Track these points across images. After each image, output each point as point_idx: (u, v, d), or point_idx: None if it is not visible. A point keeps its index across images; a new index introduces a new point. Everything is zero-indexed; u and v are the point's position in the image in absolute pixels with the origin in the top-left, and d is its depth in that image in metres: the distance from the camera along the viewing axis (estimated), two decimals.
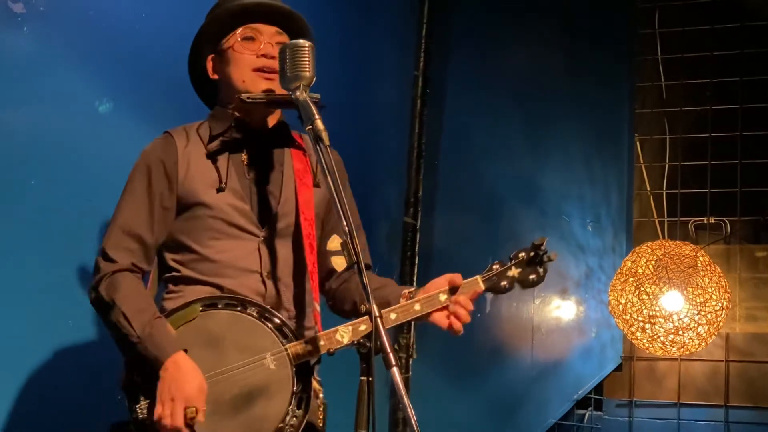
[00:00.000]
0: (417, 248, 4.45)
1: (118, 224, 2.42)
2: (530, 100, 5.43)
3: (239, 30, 2.50)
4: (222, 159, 2.48)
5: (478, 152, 5.04)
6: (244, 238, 2.46)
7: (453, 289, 2.46)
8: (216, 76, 2.56)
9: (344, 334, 2.36)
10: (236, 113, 2.51)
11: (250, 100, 2.45)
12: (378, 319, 2.08)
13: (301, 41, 2.27)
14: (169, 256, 2.49)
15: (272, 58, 2.47)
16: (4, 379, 2.73)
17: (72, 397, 2.87)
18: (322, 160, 2.18)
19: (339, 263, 2.19)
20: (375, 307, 2.09)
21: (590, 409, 6.09)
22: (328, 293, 2.66)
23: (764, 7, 6.28)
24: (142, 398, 2.29)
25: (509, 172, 5.26)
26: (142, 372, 2.30)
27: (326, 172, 2.17)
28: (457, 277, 2.47)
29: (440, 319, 2.47)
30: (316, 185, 2.57)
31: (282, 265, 2.49)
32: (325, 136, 2.18)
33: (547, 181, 5.56)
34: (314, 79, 2.27)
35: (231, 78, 2.50)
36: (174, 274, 2.47)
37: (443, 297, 2.45)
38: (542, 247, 2.55)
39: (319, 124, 2.20)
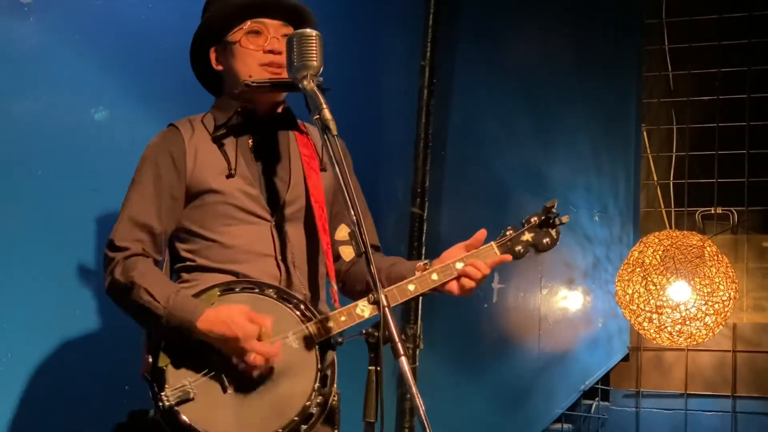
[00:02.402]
0: (424, 238, 4.45)
1: (126, 216, 2.42)
2: (537, 89, 5.42)
3: (246, 24, 2.49)
4: (229, 146, 2.49)
5: (485, 142, 5.03)
6: (256, 223, 2.46)
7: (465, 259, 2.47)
8: (220, 68, 2.56)
9: (364, 308, 2.38)
10: (241, 101, 2.51)
11: (255, 84, 2.45)
12: (386, 309, 2.08)
13: (308, 30, 2.27)
14: (181, 247, 2.49)
15: (279, 53, 2.47)
16: (12, 369, 2.73)
17: (80, 387, 2.87)
18: (330, 149, 2.18)
19: (347, 253, 2.19)
20: (383, 297, 2.09)
21: (597, 399, 6.09)
22: (338, 276, 2.67)
23: None
24: (167, 386, 2.27)
25: (516, 162, 5.25)
26: (173, 352, 2.29)
27: (334, 161, 2.16)
28: (472, 245, 2.50)
29: (455, 286, 2.48)
30: (323, 169, 2.58)
31: (295, 249, 2.50)
32: (332, 125, 2.18)
33: (554, 171, 5.55)
34: (322, 69, 2.27)
35: (237, 72, 2.51)
36: (187, 263, 2.47)
37: (460, 265, 2.47)
38: (553, 210, 2.55)
39: (327, 113, 2.20)
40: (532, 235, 2.53)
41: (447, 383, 4.62)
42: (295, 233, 2.51)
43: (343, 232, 2.18)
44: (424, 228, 4.46)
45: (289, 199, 2.51)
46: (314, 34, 2.26)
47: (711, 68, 6.37)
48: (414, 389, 2.04)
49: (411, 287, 2.43)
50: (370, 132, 4.21)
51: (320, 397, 2.34)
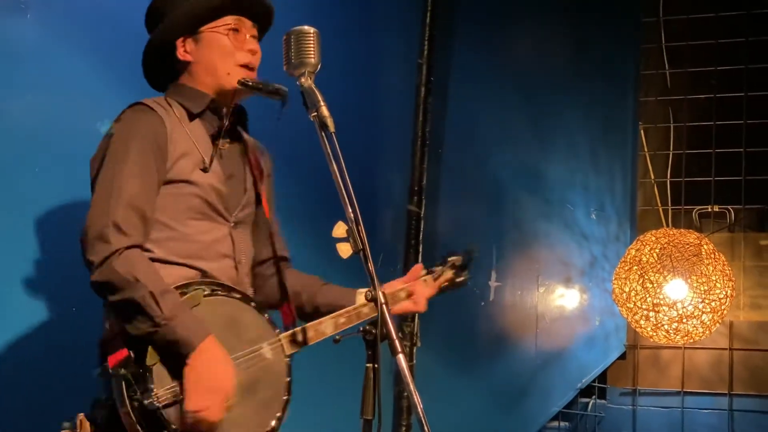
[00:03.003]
0: (421, 236, 4.45)
1: (125, 198, 2.26)
2: (535, 88, 5.42)
3: (229, 20, 2.45)
4: (202, 140, 2.43)
5: (483, 140, 5.03)
6: (219, 222, 2.41)
7: (410, 292, 2.71)
8: (189, 58, 2.48)
9: (328, 326, 2.44)
10: (212, 92, 2.46)
11: (251, 85, 2.43)
12: (384, 306, 2.08)
13: (306, 27, 2.26)
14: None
15: (255, 53, 2.46)
16: (8, 368, 2.73)
17: (77, 385, 2.87)
18: (327, 147, 2.17)
19: (344, 250, 2.18)
20: (381, 294, 2.10)
21: (594, 397, 6.10)
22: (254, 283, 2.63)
23: None
24: (153, 386, 2.16)
25: (513, 160, 5.26)
26: (163, 353, 2.19)
27: (331, 158, 2.16)
28: (411, 276, 2.74)
29: (400, 308, 2.71)
30: (261, 176, 2.58)
31: (246, 253, 2.49)
32: (330, 122, 2.17)
33: (552, 169, 5.56)
34: (319, 66, 2.26)
35: (214, 66, 2.45)
36: (147, 254, 2.31)
37: (403, 294, 2.70)
38: (474, 254, 2.83)
39: (324, 110, 2.19)
40: (452, 272, 2.81)
41: (444, 381, 4.62)
42: (245, 238, 2.49)
43: (340, 229, 2.18)
44: (421, 226, 4.46)
45: (244, 201, 2.49)
46: (312, 31, 2.25)
47: (708, 66, 6.38)
48: (412, 387, 2.04)
49: (365, 310, 2.53)
50: (367, 130, 4.21)
51: (281, 412, 2.35)
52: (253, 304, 2.37)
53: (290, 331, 2.39)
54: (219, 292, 2.32)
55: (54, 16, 2.89)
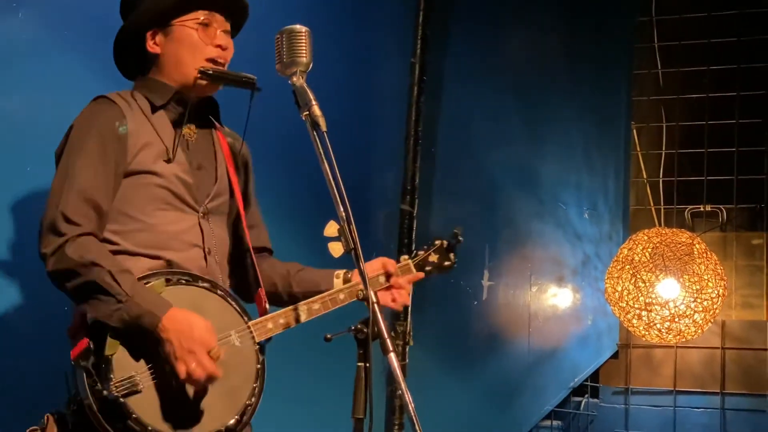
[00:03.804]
0: (414, 235, 4.45)
1: (76, 188, 2.27)
2: (528, 87, 5.43)
3: (199, 15, 2.45)
4: (166, 131, 2.43)
5: (476, 139, 5.04)
6: (186, 212, 2.42)
7: (388, 274, 2.62)
8: (157, 50, 2.48)
9: (302, 312, 2.44)
10: (178, 85, 2.46)
11: (212, 74, 2.42)
12: (375, 305, 2.08)
13: (298, 26, 2.26)
14: (107, 227, 2.35)
15: (225, 49, 2.46)
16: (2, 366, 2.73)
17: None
18: (319, 146, 2.17)
19: (336, 249, 2.19)
20: (372, 294, 2.09)
21: (587, 396, 6.11)
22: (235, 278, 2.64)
23: None
24: (113, 376, 2.17)
25: (506, 159, 5.26)
26: (124, 339, 2.19)
27: (323, 157, 2.16)
28: (390, 264, 2.63)
29: (382, 298, 2.59)
30: (236, 166, 2.58)
31: (220, 243, 2.49)
32: (322, 122, 2.17)
33: (545, 168, 5.56)
34: (311, 65, 2.26)
35: (181, 60, 2.44)
36: (110, 247, 2.32)
37: (383, 279, 2.62)
38: (459, 237, 2.79)
39: (316, 109, 2.18)
40: (437, 256, 2.76)
41: (437, 380, 4.62)
42: (219, 227, 2.50)
43: (332, 228, 2.18)
44: (414, 225, 4.46)
45: (214, 192, 2.49)
46: (303, 30, 2.25)
47: (701, 66, 6.39)
48: (403, 386, 2.04)
49: (341, 296, 2.51)
50: (359, 129, 4.21)
51: (254, 398, 2.35)
52: (219, 292, 2.37)
53: (260, 319, 2.40)
54: (182, 281, 2.33)
55: (45, 14, 2.89)
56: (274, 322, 2.41)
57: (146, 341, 2.20)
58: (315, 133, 2.18)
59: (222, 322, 2.33)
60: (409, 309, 4.35)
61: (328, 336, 2.33)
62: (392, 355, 2.04)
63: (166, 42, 2.47)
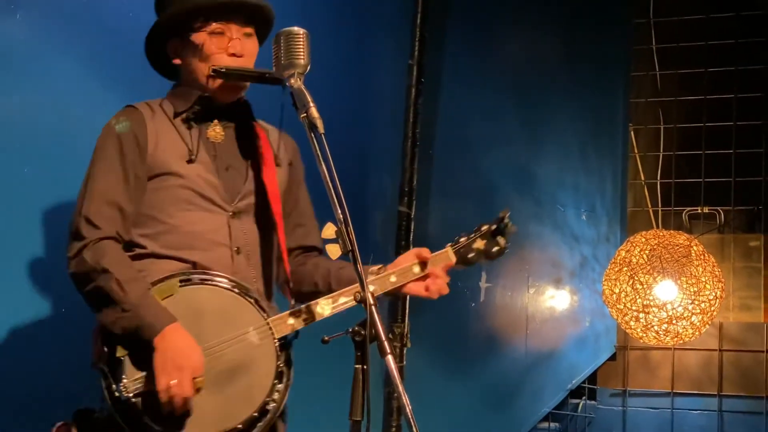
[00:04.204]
0: (411, 237, 4.45)
1: (97, 192, 2.35)
2: (525, 89, 5.43)
3: (210, 26, 2.46)
4: (189, 134, 2.46)
5: (473, 141, 5.04)
6: (213, 212, 2.44)
7: (423, 263, 2.52)
8: (178, 61, 2.52)
9: (325, 306, 2.39)
10: (202, 90, 2.48)
11: (224, 71, 2.43)
12: (373, 308, 2.07)
13: (296, 28, 2.26)
14: (135, 231, 2.41)
15: (241, 56, 2.46)
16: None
17: (63, 386, 2.86)
18: (316, 148, 2.17)
19: (333, 251, 2.18)
20: (370, 296, 2.09)
21: (584, 398, 6.11)
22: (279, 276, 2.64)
23: None
24: (125, 377, 2.22)
25: (504, 161, 5.26)
26: (130, 345, 2.23)
27: (321, 159, 2.16)
28: (425, 251, 2.53)
29: (416, 288, 2.53)
30: (278, 164, 2.57)
31: (251, 242, 2.49)
32: (320, 123, 2.17)
33: (542, 170, 5.56)
34: (309, 67, 2.26)
35: (196, 70, 2.48)
36: (138, 251, 2.39)
37: (417, 269, 2.51)
38: (505, 220, 2.60)
39: (314, 111, 2.19)
40: (483, 242, 2.59)
41: (434, 382, 4.62)
42: (250, 227, 2.50)
43: (329, 230, 2.18)
44: (412, 227, 4.46)
45: (245, 191, 2.50)
46: (302, 32, 2.25)
47: (698, 68, 6.40)
48: (400, 388, 2.04)
49: (370, 288, 2.41)
50: (357, 131, 4.21)
51: (277, 394, 2.34)
52: (238, 290, 2.37)
53: (280, 315, 2.39)
54: (199, 281, 2.34)
55: (43, 16, 2.89)
56: (295, 317, 2.39)
57: (147, 349, 2.23)
58: (313, 135, 2.18)
59: (240, 320, 2.34)
60: (407, 311, 4.35)
61: (326, 338, 2.33)
62: (390, 358, 2.03)
63: (184, 52, 2.50)
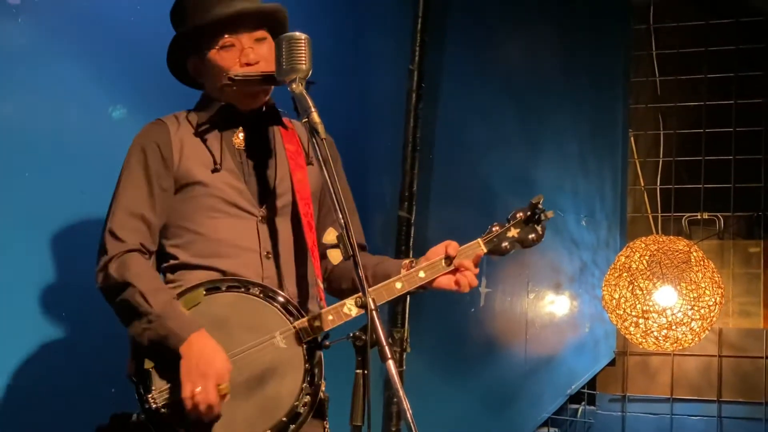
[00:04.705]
0: (411, 242, 4.45)
1: (122, 205, 2.40)
2: (525, 94, 5.43)
3: (220, 41, 2.47)
4: (214, 141, 2.48)
5: (473, 146, 5.04)
6: (242, 217, 2.45)
7: (449, 257, 2.48)
8: (198, 78, 2.56)
9: (351, 307, 2.36)
10: (224, 98, 2.50)
11: (239, 78, 2.43)
12: (374, 312, 2.07)
13: (297, 33, 2.26)
14: (166, 243, 2.46)
15: (255, 63, 2.46)
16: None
17: (66, 389, 2.86)
18: (318, 152, 2.18)
19: (335, 256, 2.18)
20: (371, 301, 2.09)
21: (583, 403, 6.11)
22: (324, 274, 2.65)
23: (759, 2, 6.29)
24: (153, 387, 2.26)
25: (504, 166, 5.26)
26: (156, 356, 2.27)
27: (321, 164, 2.16)
28: (452, 246, 2.49)
29: (446, 282, 2.49)
30: (309, 164, 2.58)
31: (281, 245, 2.49)
32: (321, 128, 2.18)
33: (542, 175, 5.56)
34: (310, 72, 2.27)
35: (212, 82, 2.50)
36: (172, 262, 2.44)
37: (445, 263, 2.48)
38: (539, 206, 2.56)
39: (315, 116, 2.19)
40: (518, 231, 2.55)
41: (434, 387, 4.62)
42: (281, 229, 2.51)
43: (331, 235, 2.18)
44: (412, 231, 4.46)
45: (275, 193, 2.51)
46: (303, 38, 2.25)
47: (698, 74, 6.40)
48: (401, 393, 2.04)
49: (398, 285, 2.42)
50: (358, 135, 4.21)
51: (308, 397, 2.34)
52: (262, 295, 2.37)
53: (307, 317, 2.37)
54: (224, 288, 2.36)
55: (45, 20, 2.89)
56: (321, 319, 2.37)
57: (175, 358, 2.25)
58: (314, 140, 2.18)
59: (266, 325, 2.34)
60: (407, 316, 4.35)
61: (327, 343, 2.34)
62: (390, 362, 2.03)
63: (202, 68, 2.52)
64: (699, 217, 6.33)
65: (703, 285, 5.48)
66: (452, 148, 4.88)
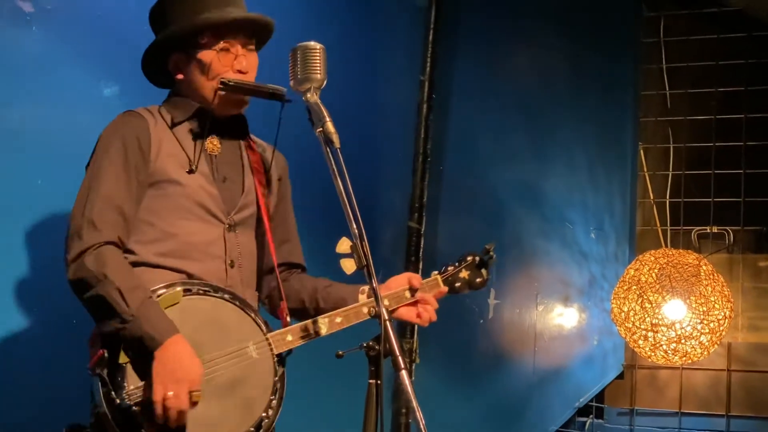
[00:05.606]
0: (421, 253, 4.45)
1: (102, 195, 2.33)
2: (535, 106, 5.43)
3: (219, 44, 2.47)
4: (190, 143, 2.47)
5: (483, 158, 5.04)
6: (211, 223, 2.44)
7: (413, 289, 2.59)
8: (180, 75, 2.53)
9: (322, 325, 2.42)
10: (202, 102, 2.49)
11: (233, 84, 2.44)
12: (387, 323, 2.07)
13: (312, 43, 2.27)
14: (130, 238, 2.39)
15: (245, 73, 2.48)
16: (6, 378, 2.72)
17: (69, 397, 2.86)
18: (332, 162, 2.18)
19: (348, 266, 2.19)
20: (384, 311, 2.09)
21: (591, 416, 6.08)
22: (269, 291, 2.66)
23: None
24: (126, 383, 2.20)
25: (513, 177, 5.26)
26: (131, 351, 2.21)
27: (336, 174, 2.17)
28: (416, 278, 2.61)
29: (407, 314, 2.60)
30: (269, 180, 2.60)
31: (245, 256, 2.50)
32: (335, 138, 2.19)
33: (551, 187, 5.56)
34: (325, 82, 2.27)
35: (201, 85, 2.49)
36: (130, 258, 2.36)
37: (408, 294, 2.59)
38: (491, 252, 2.74)
39: (330, 126, 2.20)
40: (468, 273, 2.72)
41: (442, 398, 4.61)
42: (245, 240, 2.51)
43: (344, 245, 2.18)
44: (422, 243, 4.47)
45: (240, 204, 2.51)
46: (318, 47, 2.27)
47: (708, 88, 6.39)
48: (415, 403, 2.04)
49: (364, 310, 2.48)
50: (369, 146, 4.22)
51: (271, 410, 2.35)
52: (238, 303, 2.37)
53: (279, 330, 2.40)
54: (201, 291, 2.34)
55: (58, 28, 2.91)
56: (293, 334, 2.41)
57: (149, 358, 2.22)
58: (328, 150, 2.18)
59: (240, 334, 2.34)
60: (416, 327, 4.34)
61: (340, 353, 2.34)
62: (404, 373, 2.03)
63: (187, 67, 2.51)
64: (708, 230, 6.31)
65: (712, 299, 5.46)
66: (462, 160, 4.88)
